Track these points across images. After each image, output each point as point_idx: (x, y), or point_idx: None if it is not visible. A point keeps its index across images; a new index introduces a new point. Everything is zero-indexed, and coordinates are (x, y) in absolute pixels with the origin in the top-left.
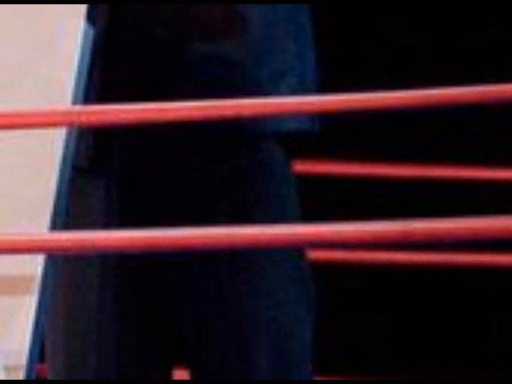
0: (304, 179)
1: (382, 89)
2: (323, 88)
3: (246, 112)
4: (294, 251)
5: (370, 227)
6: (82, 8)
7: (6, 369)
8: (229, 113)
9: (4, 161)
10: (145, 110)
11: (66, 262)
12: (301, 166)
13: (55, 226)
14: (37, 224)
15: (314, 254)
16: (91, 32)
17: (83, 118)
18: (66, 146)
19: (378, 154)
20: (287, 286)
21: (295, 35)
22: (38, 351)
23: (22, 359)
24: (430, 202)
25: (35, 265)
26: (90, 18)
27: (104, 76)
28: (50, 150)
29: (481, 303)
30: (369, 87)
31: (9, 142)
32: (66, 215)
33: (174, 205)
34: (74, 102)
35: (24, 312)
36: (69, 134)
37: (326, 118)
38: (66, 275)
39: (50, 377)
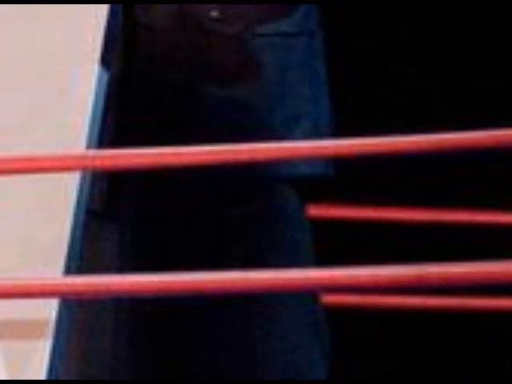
0: (318, 223)
1: (396, 133)
2: (337, 132)
3: (260, 156)
4: (308, 295)
5: (384, 271)
6: (97, 53)
7: None
8: (243, 157)
9: (18, 205)
10: (159, 154)
11: (80, 306)
12: (315, 210)
13: (69, 270)
14: (51, 268)
15: (328, 298)
16: (105, 76)
17: (97, 163)
18: (80, 190)
19: (391, 198)
20: (301, 329)
21: (309, 80)
22: None
23: None
24: (445, 246)
25: (49, 309)
26: (105, 62)
27: (118, 120)
28: (64, 194)
29: (496, 348)
30: (383, 131)
31: (23, 186)
32: (80, 259)
33: (189, 249)
34: (89, 147)
35: (38, 356)
36: (83, 178)
37: (340, 162)
38: (79, 319)
39: None
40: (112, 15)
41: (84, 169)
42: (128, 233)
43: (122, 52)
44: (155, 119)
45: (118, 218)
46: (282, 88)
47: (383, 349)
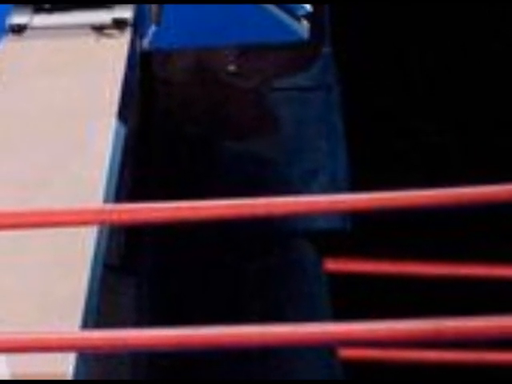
0: (335, 277)
1: (413, 187)
2: (355, 186)
3: (278, 211)
4: (325, 349)
5: (401, 326)
6: (114, 107)
7: None
8: (260, 211)
9: (36, 259)
10: (177, 208)
11: (97, 361)
12: (332, 264)
13: (86, 323)
14: (68, 322)
15: (346, 352)
16: (123, 130)
17: (115, 217)
18: (98, 244)
19: (409, 252)
20: None
21: (327, 134)
22: None
23: None
24: (462, 300)
25: (66, 363)
26: (122, 116)
27: (136, 174)
28: (81, 248)
29: None
30: (400, 186)
31: (41, 240)
32: (98, 313)
33: (206, 303)
34: (106, 201)
35: None
36: (100, 232)
37: (358, 217)
38: (97, 374)
39: None
40: (129, 69)
41: (101, 223)
42: (145, 287)
43: (140, 106)
44: (172, 173)
45: (135, 271)
46: (299, 142)
47: None
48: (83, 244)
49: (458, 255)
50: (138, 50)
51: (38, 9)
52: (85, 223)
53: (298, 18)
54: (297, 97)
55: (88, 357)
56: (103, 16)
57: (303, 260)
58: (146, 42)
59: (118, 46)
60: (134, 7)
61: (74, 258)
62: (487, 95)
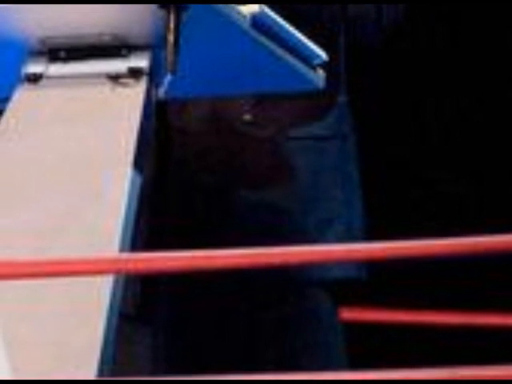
0: (351, 326)
1: (429, 236)
2: (370, 235)
3: (293, 260)
4: None
5: (417, 374)
6: (130, 156)
7: None
8: (276, 260)
9: (51, 308)
10: (192, 257)
11: None
12: (347, 313)
13: (102, 373)
14: (84, 371)
15: None
16: (138, 179)
17: (130, 266)
18: (113, 294)
19: (424, 301)
20: None
21: (342, 183)
22: None
23: None
24: (477, 349)
25: None
26: (138, 165)
27: (151, 223)
28: (96, 297)
29: None
30: (416, 235)
31: (56, 289)
32: (113, 363)
33: (222, 352)
34: (122, 250)
35: None
36: (116, 282)
37: (373, 265)
38: None
39: None
40: (145, 118)
41: (117, 272)
42: (161, 336)
43: (155, 155)
44: (188, 222)
45: (150, 321)
46: (314, 191)
47: None
48: (99, 293)
49: (473, 304)
50: (153, 99)
51: (54, 58)
52: (100, 272)
53: (313, 68)
54: (312, 146)
55: None
56: (119, 65)
57: (318, 309)
58: (161, 92)
59: (134, 95)
60: (149, 56)
61: (90, 307)
62: (503, 144)
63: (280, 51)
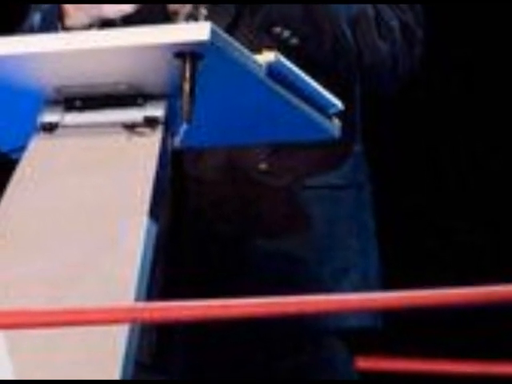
0: (367, 375)
1: (445, 286)
2: (386, 285)
3: (309, 309)
4: None
5: None
6: (145, 205)
7: None
8: (291, 310)
9: (67, 357)
10: (208, 306)
11: None
12: (363, 363)
13: None
14: None
15: None
16: (154, 229)
17: (146, 315)
18: (129, 343)
19: (440, 351)
20: None
21: (358, 232)
22: None
23: None
24: None
25: None
26: (153, 214)
27: (167, 273)
28: (112, 346)
29: None
30: (431, 284)
31: (72, 339)
32: None
33: None
34: (137, 299)
35: None
36: (131, 331)
37: (389, 315)
38: None
39: None
40: (161, 167)
41: (132, 321)
42: None
43: (171, 204)
44: (204, 272)
45: (166, 370)
46: (330, 240)
47: None
48: (114, 342)
49: (489, 354)
50: (169, 148)
51: (69, 107)
52: (116, 321)
53: (329, 117)
54: (328, 195)
55: None
56: (134, 114)
57: (334, 358)
58: (177, 141)
59: (150, 144)
60: (165, 105)
61: (106, 355)
62: None
63: (296, 100)
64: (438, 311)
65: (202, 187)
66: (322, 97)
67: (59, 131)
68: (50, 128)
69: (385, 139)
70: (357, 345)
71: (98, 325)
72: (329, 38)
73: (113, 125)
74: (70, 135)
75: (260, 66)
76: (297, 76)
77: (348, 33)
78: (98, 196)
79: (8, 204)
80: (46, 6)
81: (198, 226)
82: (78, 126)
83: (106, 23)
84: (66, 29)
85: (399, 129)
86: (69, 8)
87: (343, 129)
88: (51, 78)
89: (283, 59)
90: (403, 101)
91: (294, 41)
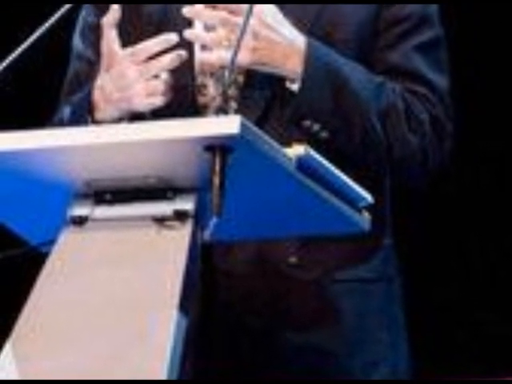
0: None
1: (476, 378)
2: (416, 378)
3: None
4: None
5: None
6: (175, 298)
7: None
8: None
9: None
10: None
11: None
12: None
13: None
14: None
15: None
16: (184, 322)
17: None
18: None
19: None
20: None
21: (388, 325)
22: None
23: None
24: None
25: None
26: (183, 308)
27: (197, 366)
28: None
29: None
30: (462, 377)
31: None
32: None
33: None
34: None
35: None
36: None
37: None
38: None
39: None
40: (190, 261)
41: None
42: None
43: (201, 297)
44: (233, 365)
45: None
46: (360, 334)
47: None
48: None
49: None
50: (199, 241)
51: (99, 200)
52: None
53: (359, 210)
54: (358, 288)
55: None
56: (164, 208)
57: None
58: (207, 234)
59: (179, 238)
60: (194, 199)
61: None
62: None
63: (325, 194)
64: None
65: (232, 281)
66: (352, 190)
67: (89, 224)
68: (80, 221)
69: (415, 233)
70: None
71: None
72: (358, 131)
73: (142, 218)
74: (100, 228)
75: (290, 159)
76: (327, 169)
77: (378, 126)
78: (127, 289)
79: (38, 297)
80: (75, 98)
81: (228, 319)
82: (107, 220)
83: (136, 116)
84: (95, 122)
85: (429, 222)
86: (98, 101)
87: (373, 222)
88: (81, 172)
89: (313, 152)
90: (433, 194)
91: (324, 134)
